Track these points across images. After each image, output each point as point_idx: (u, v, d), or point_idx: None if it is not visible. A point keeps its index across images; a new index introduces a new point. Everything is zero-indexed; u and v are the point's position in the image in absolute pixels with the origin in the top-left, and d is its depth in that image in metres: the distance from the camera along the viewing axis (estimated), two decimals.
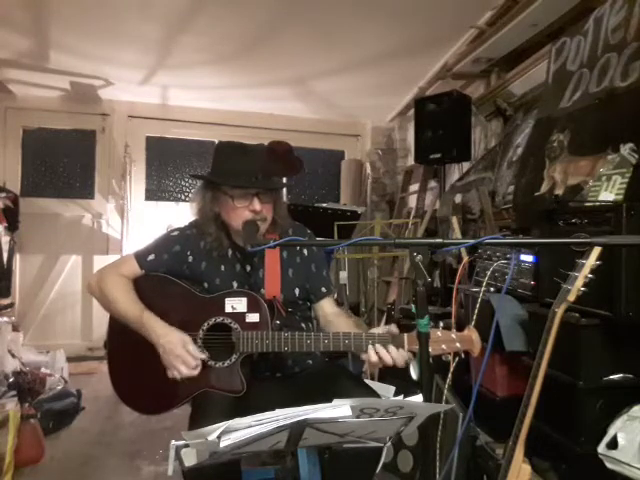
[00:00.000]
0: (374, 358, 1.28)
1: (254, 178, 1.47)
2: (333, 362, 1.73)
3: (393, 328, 1.32)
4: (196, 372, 1.36)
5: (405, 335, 1.30)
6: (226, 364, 1.40)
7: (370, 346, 1.29)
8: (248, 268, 1.56)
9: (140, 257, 1.53)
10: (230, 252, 1.56)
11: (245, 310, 1.43)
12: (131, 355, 1.51)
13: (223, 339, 1.42)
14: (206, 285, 1.53)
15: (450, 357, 1.28)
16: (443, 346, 1.25)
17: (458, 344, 1.26)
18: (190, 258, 1.55)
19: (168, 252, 1.55)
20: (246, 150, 1.53)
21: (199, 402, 1.39)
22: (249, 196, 1.46)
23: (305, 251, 1.63)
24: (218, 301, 1.45)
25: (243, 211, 1.47)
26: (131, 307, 1.45)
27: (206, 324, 1.43)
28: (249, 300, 1.43)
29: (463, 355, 1.30)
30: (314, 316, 1.67)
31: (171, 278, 1.52)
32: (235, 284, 1.53)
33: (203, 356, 1.38)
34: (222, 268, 1.55)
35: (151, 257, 1.53)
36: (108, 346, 1.58)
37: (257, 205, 1.46)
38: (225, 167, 1.50)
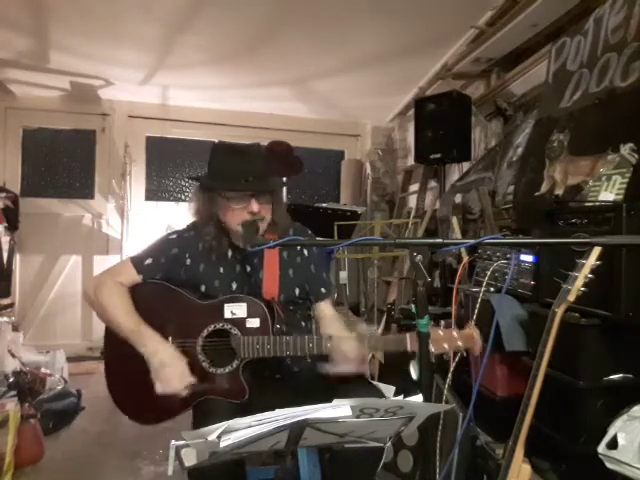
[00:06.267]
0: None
1: (250, 179, 1.45)
2: None
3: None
4: (183, 394, 1.34)
5: (407, 335, 1.30)
6: (227, 370, 1.39)
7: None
8: (248, 269, 1.56)
9: (137, 262, 1.51)
10: (230, 253, 1.55)
11: (245, 315, 1.41)
12: (129, 365, 1.45)
13: (223, 345, 1.41)
14: (203, 288, 1.51)
15: (450, 355, 1.29)
16: (445, 345, 1.26)
17: (460, 342, 1.27)
18: (188, 261, 1.54)
19: (166, 255, 1.52)
20: (239, 151, 1.52)
21: (200, 408, 1.38)
22: (246, 197, 1.45)
23: (305, 252, 1.63)
24: (217, 307, 1.43)
25: (241, 212, 1.46)
26: (127, 319, 1.42)
27: (205, 331, 1.42)
28: (249, 305, 1.42)
29: (465, 354, 1.31)
30: (313, 315, 1.67)
31: (169, 285, 1.49)
32: (234, 285, 1.53)
33: (193, 380, 1.36)
34: (221, 270, 1.54)
35: (148, 261, 1.51)
36: (105, 356, 1.55)
37: (255, 206, 1.45)
38: (219, 169, 1.50)
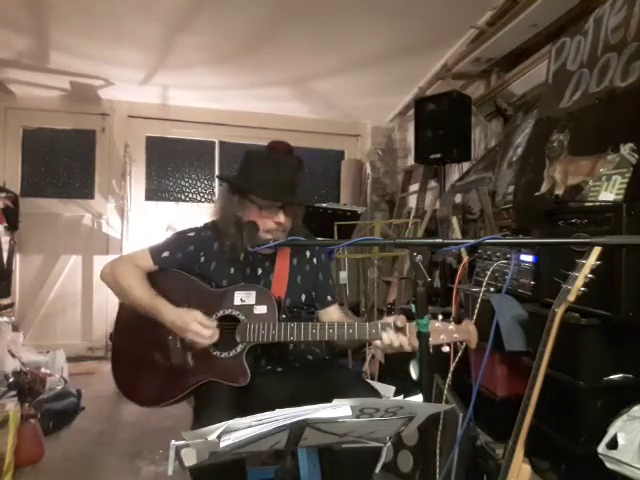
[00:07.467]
0: (387, 341, 1.32)
1: (284, 191, 1.52)
2: (333, 358, 1.75)
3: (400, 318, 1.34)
4: (215, 338, 1.40)
5: (407, 325, 1.32)
6: (231, 354, 1.43)
7: (384, 332, 1.32)
8: (259, 271, 1.60)
9: (155, 253, 1.58)
10: (242, 255, 1.60)
11: (253, 302, 1.46)
12: (137, 347, 1.54)
13: (230, 330, 1.45)
14: (213, 285, 1.57)
15: (450, 349, 1.29)
16: (442, 336, 1.28)
17: (456, 335, 1.28)
18: (202, 258, 1.60)
19: (182, 251, 1.59)
20: (277, 162, 1.60)
21: (202, 394, 1.42)
22: (275, 208, 1.51)
23: (314, 260, 1.68)
24: (228, 294, 1.49)
25: (267, 221, 1.51)
26: (144, 293, 1.48)
27: (214, 316, 1.47)
28: (258, 293, 1.47)
29: (461, 345, 1.32)
30: (316, 321, 1.69)
31: (183, 273, 1.56)
32: None
33: (215, 323, 1.42)
34: (231, 270, 1.58)
35: (165, 254, 1.58)
36: (114, 338, 1.62)
37: (282, 218, 1.51)
38: (257, 177, 1.53)
